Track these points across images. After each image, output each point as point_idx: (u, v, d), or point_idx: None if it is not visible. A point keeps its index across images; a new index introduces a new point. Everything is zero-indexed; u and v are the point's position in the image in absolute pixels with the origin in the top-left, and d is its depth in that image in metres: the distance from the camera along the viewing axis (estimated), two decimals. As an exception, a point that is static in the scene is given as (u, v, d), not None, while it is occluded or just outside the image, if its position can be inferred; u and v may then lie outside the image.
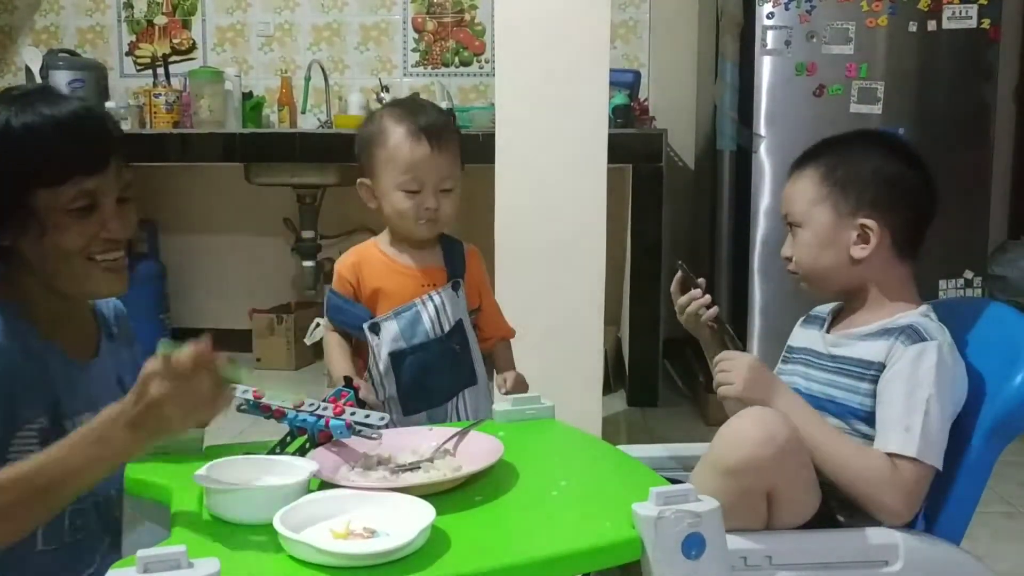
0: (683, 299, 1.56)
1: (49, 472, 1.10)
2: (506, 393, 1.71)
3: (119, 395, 1.38)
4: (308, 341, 3.95)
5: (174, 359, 1.07)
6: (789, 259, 1.51)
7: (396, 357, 1.67)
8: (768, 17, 3.17)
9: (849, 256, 1.44)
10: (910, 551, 1.25)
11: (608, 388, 3.40)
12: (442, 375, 1.69)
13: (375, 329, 1.68)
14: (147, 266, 4.27)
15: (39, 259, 1.29)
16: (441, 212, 1.67)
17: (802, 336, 1.58)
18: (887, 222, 1.43)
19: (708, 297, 1.54)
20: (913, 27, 3.17)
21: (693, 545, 1.02)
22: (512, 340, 1.86)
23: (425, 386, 1.68)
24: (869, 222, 1.43)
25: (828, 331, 1.52)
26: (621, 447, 1.40)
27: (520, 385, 1.78)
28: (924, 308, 1.44)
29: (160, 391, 1.07)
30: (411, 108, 1.70)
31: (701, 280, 1.57)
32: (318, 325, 3.78)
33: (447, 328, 1.69)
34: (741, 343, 1.69)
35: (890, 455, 1.31)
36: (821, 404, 1.44)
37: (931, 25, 3.17)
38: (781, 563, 1.23)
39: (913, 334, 1.36)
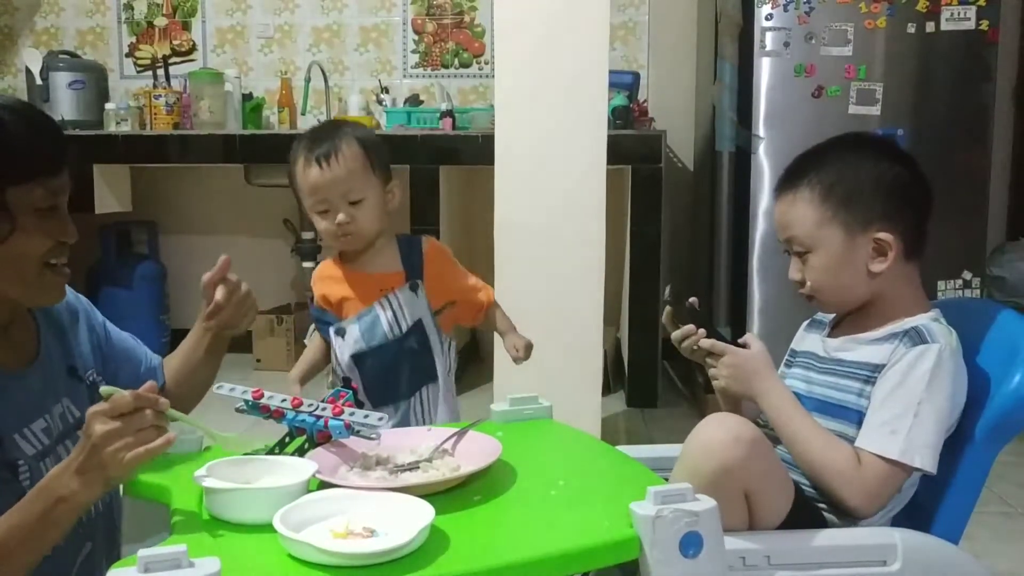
0: (676, 335, 1.49)
1: (8, 543, 1.09)
2: (521, 361, 1.79)
3: (73, 385, 1.38)
4: (308, 342, 3.94)
5: (115, 398, 1.09)
6: (800, 283, 1.47)
7: (358, 358, 1.75)
8: (767, 19, 3.17)
9: (867, 271, 1.41)
10: (908, 551, 1.25)
11: (607, 388, 3.40)
12: (402, 373, 1.75)
13: (340, 332, 1.76)
14: (147, 267, 4.27)
15: None
16: (357, 224, 1.70)
17: (805, 340, 1.58)
18: (898, 230, 1.40)
19: (702, 331, 1.47)
20: (912, 28, 3.17)
21: (691, 544, 1.02)
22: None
23: (387, 384, 1.75)
24: (883, 235, 1.39)
25: (830, 335, 1.52)
26: (620, 447, 1.40)
27: (530, 350, 1.81)
28: (935, 312, 1.42)
29: (103, 430, 1.07)
30: (310, 138, 1.73)
31: (692, 300, 1.50)
32: (318, 326, 3.78)
33: (405, 328, 1.74)
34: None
35: (864, 453, 1.31)
36: (823, 408, 1.43)
37: (930, 27, 3.17)
38: (780, 563, 1.23)
39: (916, 336, 1.35)
